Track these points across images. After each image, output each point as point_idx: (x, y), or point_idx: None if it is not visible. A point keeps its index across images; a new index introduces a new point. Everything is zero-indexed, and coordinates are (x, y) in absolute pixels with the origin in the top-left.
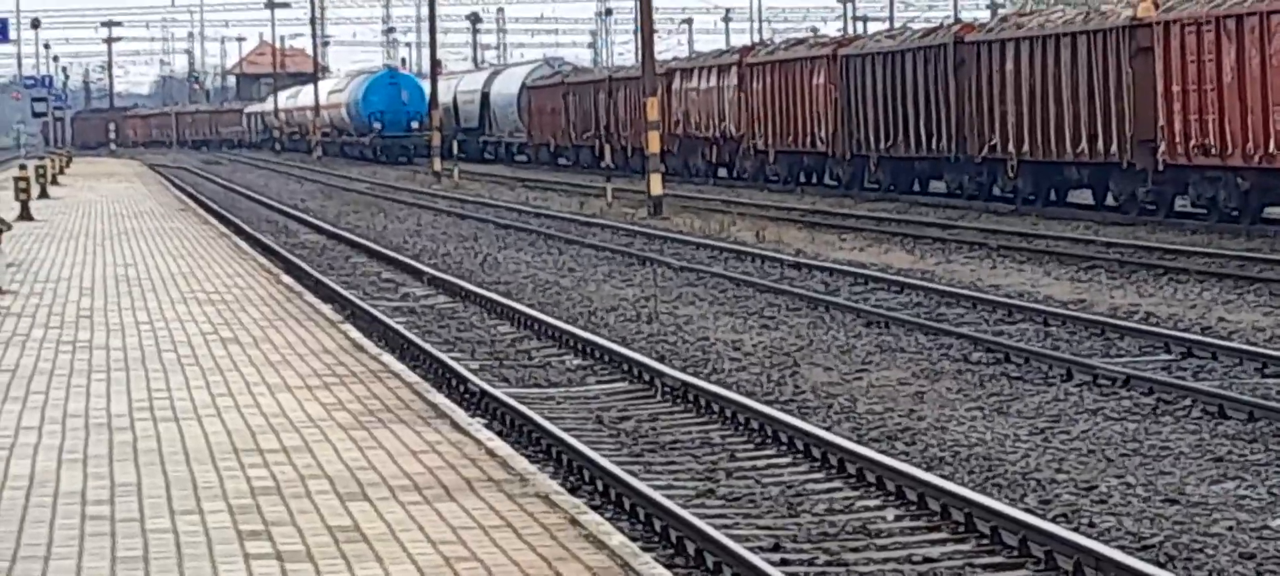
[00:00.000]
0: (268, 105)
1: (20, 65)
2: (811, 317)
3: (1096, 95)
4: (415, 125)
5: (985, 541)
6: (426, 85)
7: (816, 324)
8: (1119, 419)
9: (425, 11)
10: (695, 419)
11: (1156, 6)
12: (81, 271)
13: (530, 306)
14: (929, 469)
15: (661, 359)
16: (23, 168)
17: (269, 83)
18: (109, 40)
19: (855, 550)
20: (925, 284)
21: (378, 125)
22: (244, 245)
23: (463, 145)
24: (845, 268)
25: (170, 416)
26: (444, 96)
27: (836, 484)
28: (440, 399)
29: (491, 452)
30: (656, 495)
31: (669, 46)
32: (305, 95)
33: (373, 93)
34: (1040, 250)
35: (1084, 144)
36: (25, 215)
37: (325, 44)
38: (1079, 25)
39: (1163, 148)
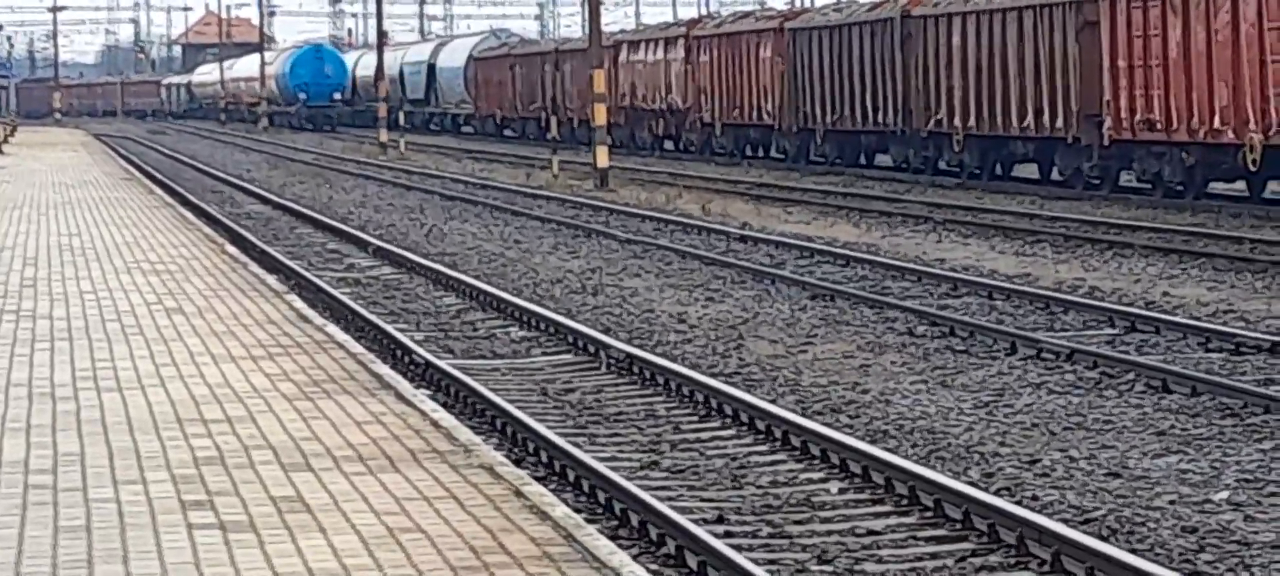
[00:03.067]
0: (189, 77)
1: None
2: (757, 290)
3: (1042, 70)
4: (337, 96)
5: (929, 514)
6: (350, 60)
7: (762, 297)
8: (1063, 392)
9: None
10: (640, 391)
11: None
12: (25, 240)
13: (475, 278)
14: (873, 441)
15: (607, 331)
16: None
17: (213, 53)
18: (54, 9)
19: (799, 522)
20: (870, 257)
21: (303, 96)
22: (189, 215)
23: (409, 116)
24: (791, 241)
25: (114, 386)
26: (390, 67)
27: (781, 456)
28: (385, 370)
29: (436, 424)
30: (601, 467)
31: (616, 19)
32: (241, 67)
33: (299, 66)
34: (986, 224)
35: (1030, 118)
36: None
37: (271, 14)
38: (1026, 0)
39: (1108, 122)
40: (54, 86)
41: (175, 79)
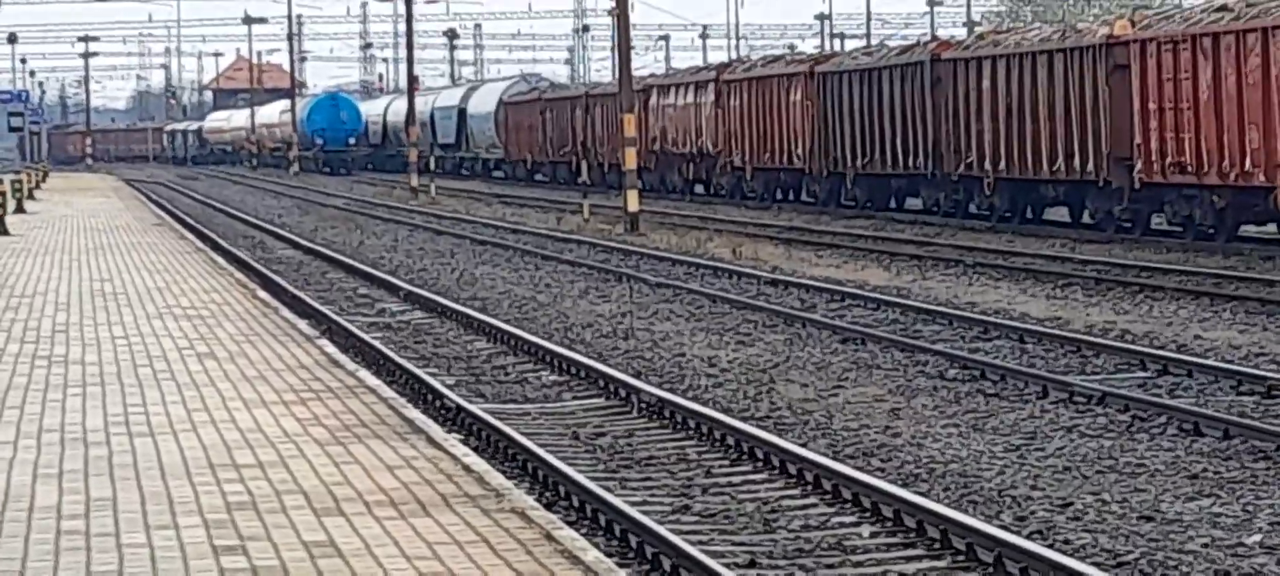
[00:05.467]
0: (199, 123)
1: None
2: (788, 334)
3: (1073, 113)
4: (352, 141)
5: (961, 558)
6: (380, 105)
7: (793, 340)
8: (1095, 436)
9: (402, 27)
10: (671, 435)
11: (1133, 25)
12: (58, 286)
13: (506, 322)
14: (905, 485)
15: (638, 375)
16: None
17: (244, 99)
18: (86, 55)
19: (831, 566)
20: (901, 301)
21: (320, 141)
22: (220, 260)
23: (439, 161)
24: (821, 284)
25: (146, 431)
26: (421, 112)
27: (812, 500)
28: (416, 414)
29: (467, 468)
30: (632, 511)
31: (646, 63)
32: (263, 114)
33: (316, 113)
34: (1016, 268)
35: (1060, 162)
36: (1, 230)
37: (303, 59)
38: (1056, 43)
39: (1139, 166)
40: (84, 133)
41: (179, 126)
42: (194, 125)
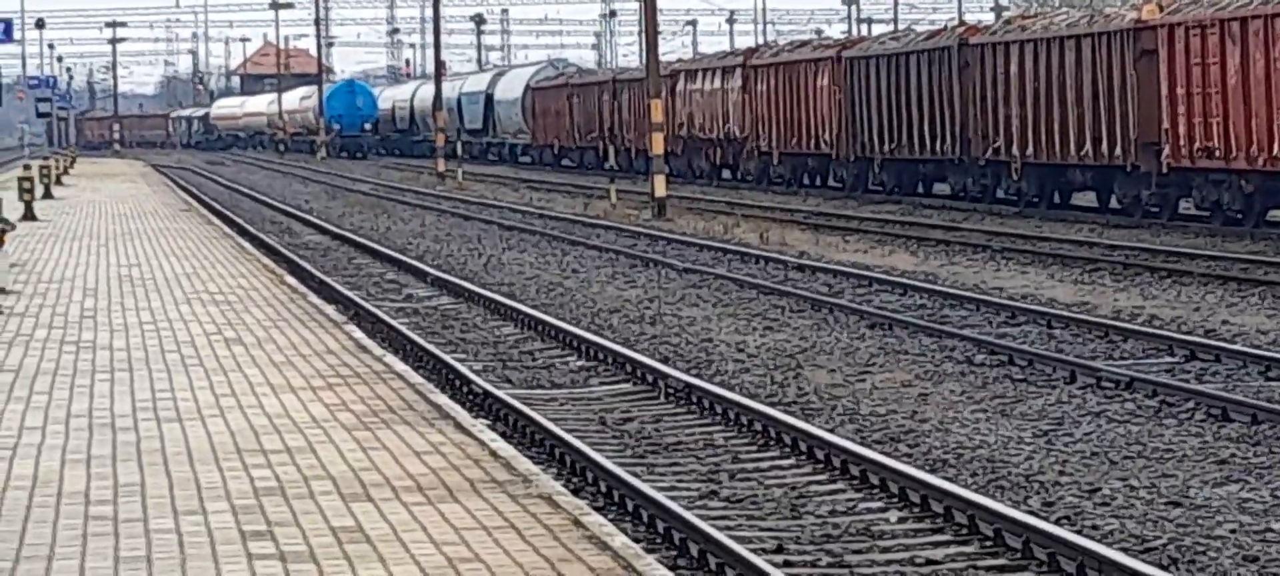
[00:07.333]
0: (206, 110)
1: (25, 65)
2: (815, 319)
3: (1101, 98)
4: (367, 127)
5: (988, 543)
6: (392, 92)
7: (820, 325)
8: (1122, 421)
9: (429, 13)
10: (698, 420)
11: (1161, 9)
12: (85, 271)
13: (534, 307)
14: (932, 471)
15: (665, 360)
16: (27, 168)
17: (272, 83)
18: (113, 41)
19: (858, 552)
20: (929, 286)
21: (337, 126)
22: (247, 246)
23: (466, 146)
24: (849, 269)
25: (174, 416)
26: (448, 98)
27: (840, 485)
28: (443, 400)
29: (495, 453)
30: (659, 496)
31: (673, 48)
32: (286, 100)
33: (333, 100)
34: (1044, 253)
35: (1088, 146)
36: (29, 215)
37: (330, 45)
38: (1083, 28)
39: (1167, 150)
40: (109, 119)
41: (184, 112)
42: (199, 112)
